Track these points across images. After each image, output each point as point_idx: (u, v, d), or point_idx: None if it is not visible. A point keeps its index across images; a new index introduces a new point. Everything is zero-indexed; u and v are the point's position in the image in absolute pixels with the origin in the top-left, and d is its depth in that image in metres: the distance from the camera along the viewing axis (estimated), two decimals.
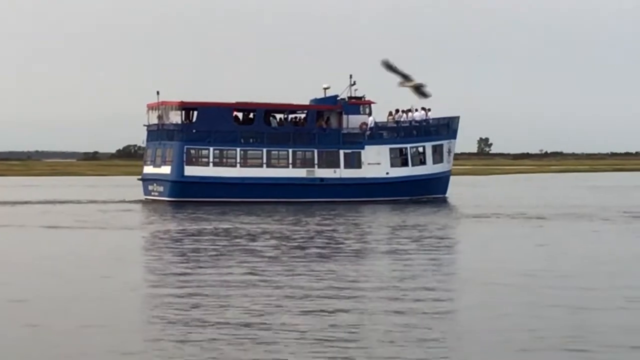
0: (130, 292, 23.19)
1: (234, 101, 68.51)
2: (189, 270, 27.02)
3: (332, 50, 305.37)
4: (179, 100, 66.91)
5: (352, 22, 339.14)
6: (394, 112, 72.16)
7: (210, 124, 65.81)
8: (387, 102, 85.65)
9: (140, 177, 70.41)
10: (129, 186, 79.94)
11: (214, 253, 31.78)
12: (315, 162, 67.27)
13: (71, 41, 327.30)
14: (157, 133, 68.11)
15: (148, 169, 68.81)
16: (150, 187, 67.80)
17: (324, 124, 68.81)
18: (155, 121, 68.71)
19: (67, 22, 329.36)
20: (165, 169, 66.07)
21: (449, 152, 72.96)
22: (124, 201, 64.53)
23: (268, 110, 68.48)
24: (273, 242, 35.67)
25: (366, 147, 68.44)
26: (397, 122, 71.56)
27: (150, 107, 69.30)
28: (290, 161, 67.01)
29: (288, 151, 66.98)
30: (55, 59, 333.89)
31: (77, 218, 48.71)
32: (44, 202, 62.89)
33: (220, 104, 67.44)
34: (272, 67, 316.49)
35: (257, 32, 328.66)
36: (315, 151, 67.34)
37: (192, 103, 67.29)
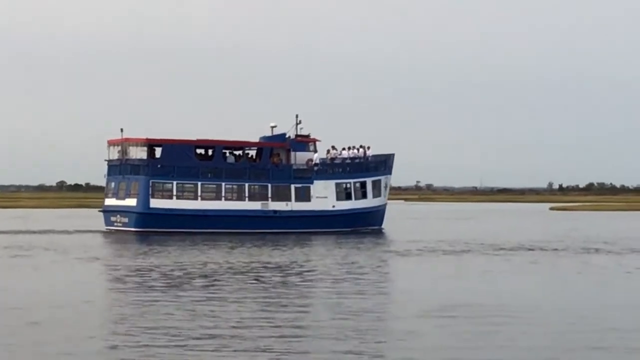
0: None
1: (194, 138, 73.48)
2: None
3: (276, 90, 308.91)
4: (144, 137, 71.42)
5: (298, 63, 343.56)
6: (331, 149, 77.90)
7: (173, 160, 70.60)
8: (329, 139, 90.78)
9: (101, 209, 74.56)
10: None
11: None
12: (269, 195, 72.55)
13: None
14: (119, 167, 72.35)
15: (110, 201, 72.95)
16: (112, 218, 71.98)
17: (276, 160, 74.18)
18: (116, 156, 73.01)
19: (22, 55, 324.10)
20: (131, 201, 70.38)
21: (386, 186, 79.14)
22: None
23: (226, 147, 73.64)
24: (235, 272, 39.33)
25: (315, 182, 74.06)
26: (333, 158, 76.98)
27: (112, 143, 73.62)
28: (246, 195, 72.12)
29: (244, 185, 72.11)
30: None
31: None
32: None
33: (182, 141, 72.28)
34: (217, 105, 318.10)
35: (203, 72, 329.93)
36: (269, 185, 72.63)
37: (156, 140, 71.90)
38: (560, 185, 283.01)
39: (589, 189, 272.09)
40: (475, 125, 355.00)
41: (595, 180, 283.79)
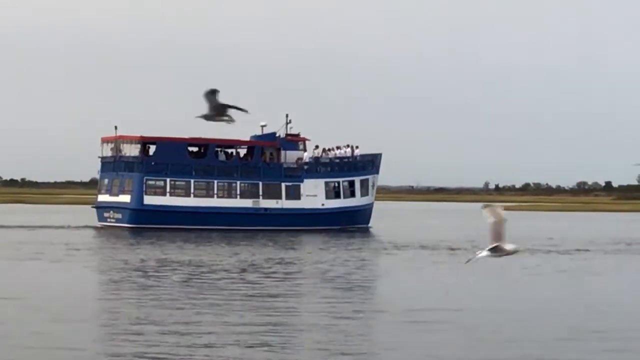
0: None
1: (187, 136, 74.82)
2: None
3: (265, 90, 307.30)
4: (139, 135, 72.73)
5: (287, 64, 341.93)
6: (314, 149, 78.92)
7: (167, 157, 71.98)
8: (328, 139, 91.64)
9: (94, 205, 75.79)
10: None
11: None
12: (260, 193, 73.97)
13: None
14: (113, 164, 73.63)
15: (103, 198, 74.17)
16: (105, 214, 73.22)
17: (267, 159, 75.61)
18: (109, 153, 74.30)
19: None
20: (124, 198, 71.66)
21: (373, 185, 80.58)
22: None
23: (218, 145, 75.00)
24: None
25: (305, 180, 75.48)
26: (317, 158, 78.04)
27: (105, 141, 74.90)
28: (238, 192, 73.53)
29: (236, 183, 73.52)
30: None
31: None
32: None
33: (176, 139, 73.63)
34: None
35: (190, 70, 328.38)
36: (260, 183, 74.05)
37: (150, 138, 73.29)
38: (497, 185, 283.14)
39: (525, 189, 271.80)
40: (411, 124, 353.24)
41: (532, 180, 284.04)
